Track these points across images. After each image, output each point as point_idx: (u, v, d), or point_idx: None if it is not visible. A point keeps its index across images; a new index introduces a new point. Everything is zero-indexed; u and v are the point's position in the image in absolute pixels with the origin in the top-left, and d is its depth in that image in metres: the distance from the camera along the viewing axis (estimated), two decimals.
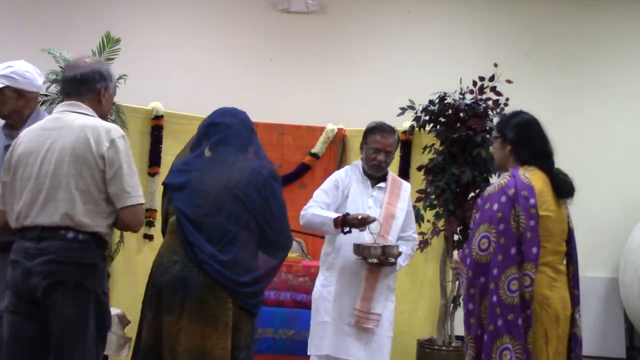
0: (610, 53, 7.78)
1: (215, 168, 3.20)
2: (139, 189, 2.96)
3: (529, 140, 3.34)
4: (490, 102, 5.12)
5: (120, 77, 5.58)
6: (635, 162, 7.69)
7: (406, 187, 4.29)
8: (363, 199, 4.11)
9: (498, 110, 5.13)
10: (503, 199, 3.12)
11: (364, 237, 4.00)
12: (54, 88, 5.51)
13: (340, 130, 6.28)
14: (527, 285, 3.05)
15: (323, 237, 4.34)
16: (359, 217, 3.88)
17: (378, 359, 4.06)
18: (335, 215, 3.96)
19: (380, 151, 4.11)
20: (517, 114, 3.46)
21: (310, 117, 6.75)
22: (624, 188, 7.65)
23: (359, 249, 3.93)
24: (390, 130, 4.18)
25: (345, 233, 3.93)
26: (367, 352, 4.05)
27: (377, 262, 3.94)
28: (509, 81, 5.10)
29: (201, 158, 3.23)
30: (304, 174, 6.31)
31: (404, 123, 5.83)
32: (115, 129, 2.94)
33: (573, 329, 3.21)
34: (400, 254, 4.04)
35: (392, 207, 4.14)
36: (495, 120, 5.14)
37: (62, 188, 2.86)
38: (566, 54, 7.80)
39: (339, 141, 6.28)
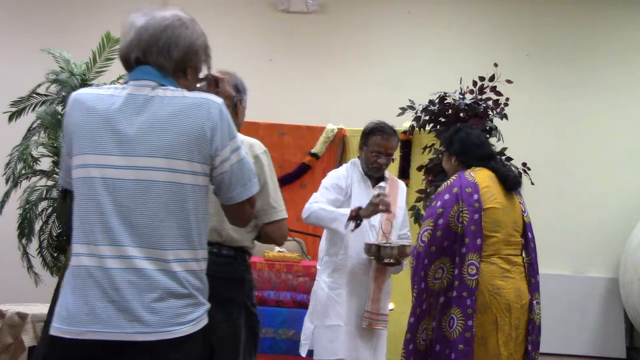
0: (610, 53, 7.78)
1: None
2: (283, 204, 2.89)
3: (468, 148, 3.64)
4: (490, 102, 5.11)
5: (120, 77, 5.58)
6: (635, 162, 7.69)
7: (402, 186, 4.30)
8: (364, 199, 4.10)
9: (498, 110, 5.12)
10: (446, 196, 3.45)
11: (369, 236, 3.99)
12: (54, 88, 5.50)
13: (340, 130, 6.28)
14: (473, 274, 3.32)
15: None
16: (377, 197, 3.77)
17: (381, 358, 4.08)
18: (345, 210, 3.86)
19: (382, 154, 4.05)
20: (457, 130, 3.77)
21: (310, 117, 6.76)
22: (624, 188, 7.65)
23: (372, 249, 3.87)
24: (392, 131, 4.11)
25: (354, 228, 3.85)
26: (375, 353, 4.06)
27: (394, 262, 3.94)
28: (509, 81, 5.10)
29: None
30: (304, 174, 6.31)
31: (404, 123, 5.83)
32: (258, 145, 2.86)
33: (531, 315, 3.45)
34: (412, 252, 4.04)
35: (393, 207, 4.15)
36: (496, 120, 5.14)
37: (210, 204, 2.56)
38: (566, 54, 7.80)
39: (339, 141, 6.28)
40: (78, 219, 2.00)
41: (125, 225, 1.95)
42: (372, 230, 4.02)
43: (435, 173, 5.12)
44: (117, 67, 5.73)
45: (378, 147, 4.05)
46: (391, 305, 4.55)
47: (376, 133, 4.08)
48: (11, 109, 5.40)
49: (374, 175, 4.14)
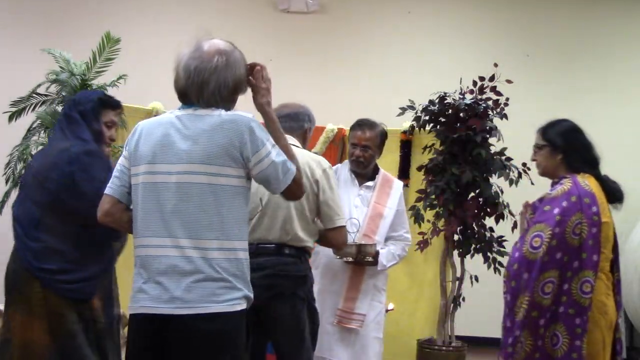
0: (610, 53, 7.78)
1: (38, 157, 3.33)
2: (343, 213, 3.33)
3: (579, 148, 3.38)
4: (490, 102, 5.11)
5: (120, 77, 5.58)
6: (635, 162, 7.68)
7: (398, 185, 4.24)
8: (350, 198, 4.08)
9: (498, 110, 5.12)
10: (565, 204, 3.17)
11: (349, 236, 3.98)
12: (54, 88, 5.51)
13: (340, 130, 6.28)
14: (587, 292, 3.12)
15: None
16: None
17: (363, 357, 4.03)
18: None
19: (357, 146, 4.07)
20: (561, 121, 3.49)
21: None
22: (624, 188, 7.63)
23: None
24: (369, 125, 4.11)
25: None
26: (351, 352, 4.01)
27: (353, 260, 3.91)
28: (509, 81, 5.09)
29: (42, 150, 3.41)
30: None
31: (404, 123, 5.82)
32: (324, 160, 3.37)
33: (617, 334, 3.30)
34: (377, 253, 3.98)
35: (380, 206, 4.11)
36: (496, 120, 5.14)
37: (282, 207, 3.19)
38: (566, 54, 7.80)
39: (339, 141, 6.27)
40: (140, 217, 2.43)
41: (177, 220, 2.37)
42: (352, 227, 3.99)
43: (435, 173, 5.12)
44: (117, 67, 5.78)
45: (353, 139, 4.10)
46: (391, 305, 4.54)
47: (353, 127, 4.16)
48: (11, 109, 5.41)
49: (357, 170, 4.11)
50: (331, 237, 3.30)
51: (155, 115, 5.74)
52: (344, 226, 3.31)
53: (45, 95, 5.40)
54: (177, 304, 2.34)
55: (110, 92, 5.61)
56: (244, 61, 2.60)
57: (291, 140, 3.31)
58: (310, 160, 3.30)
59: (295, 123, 3.45)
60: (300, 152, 3.29)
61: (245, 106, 2.82)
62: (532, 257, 3.15)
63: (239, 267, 2.40)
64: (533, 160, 3.47)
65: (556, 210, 3.17)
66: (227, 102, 2.52)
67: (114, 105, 3.29)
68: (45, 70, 5.43)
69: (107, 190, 2.54)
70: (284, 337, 3.22)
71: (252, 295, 2.45)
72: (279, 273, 3.19)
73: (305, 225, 3.26)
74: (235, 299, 2.38)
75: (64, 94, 5.44)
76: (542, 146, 3.47)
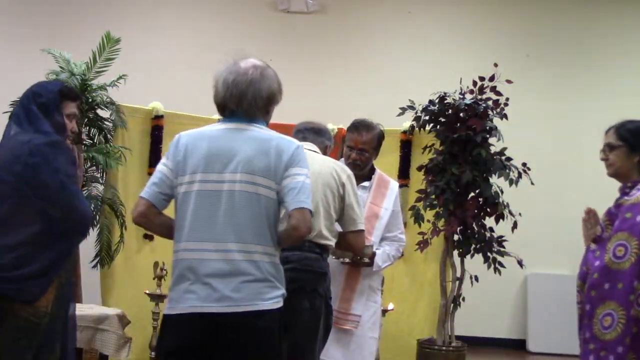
0: (609, 53, 7.79)
1: None
2: (363, 217, 3.43)
3: None
4: (490, 102, 5.11)
5: (120, 77, 5.58)
6: None
7: (393, 186, 4.20)
8: None
9: (498, 110, 5.12)
10: None
11: None
12: None
13: (340, 130, 6.27)
14: None
15: None
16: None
17: (357, 358, 4.01)
18: None
19: (353, 149, 4.02)
20: (637, 121, 3.29)
21: (310, 117, 6.73)
22: None
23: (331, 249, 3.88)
24: (366, 127, 4.05)
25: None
26: (346, 352, 3.99)
27: (350, 261, 3.90)
28: (509, 81, 5.09)
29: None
30: None
31: (404, 123, 5.82)
32: (345, 167, 3.54)
33: None
34: (374, 254, 3.97)
35: (376, 207, 4.08)
36: (496, 120, 5.14)
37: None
38: (566, 54, 7.80)
39: (339, 141, 6.27)
40: (189, 223, 2.59)
41: (227, 226, 2.57)
42: None
43: (435, 173, 5.12)
44: (117, 67, 5.77)
45: (350, 141, 4.04)
46: (391, 306, 4.54)
47: (350, 129, 4.10)
48: (11, 109, 5.40)
49: (353, 172, 4.09)
50: (352, 239, 3.41)
51: (155, 115, 5.79)
52: (364, 230, 3.41)
53: None
54: (227, 302, 2.52)
55: (110, 92, 5.63)
56: (277, 76, 2.79)
57: (312, 147, 3.50)
58: (335, 165, 3.43)
59: (317, 137, 3.64)
60: (322, 158, 3.47)
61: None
62: (615, 266, 3.03)
63: (277, 269, 2.64)
64: (603, 159, 3.31)
65: (638, 218, 3.03)
66: (264, 113, 2.73)
67: (75, 97, 3.16)
68: (45, 70, 5.43)
69: (143, 194, 2.68)
70: (300, 331, 3.22)
71: (285, 293, 2.67)
72: (304, 268, 3.26)
73: (329, 224, 3.34)
74: (277, 297, 2.60)
75: None
76: (616, 146, 3.26)
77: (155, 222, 2.70)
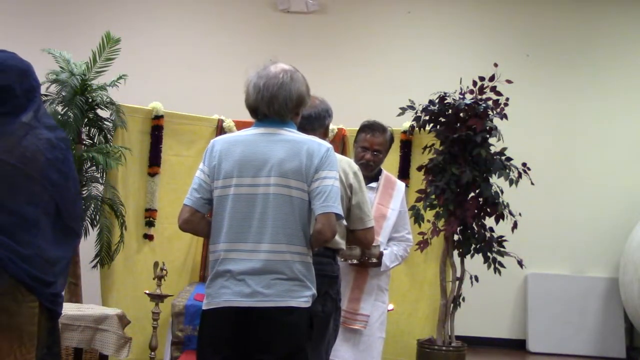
0: (610, 53, 7.79)
1: None
2: (371, 213, 3.40)
3: None
4: (490, 102, 5.11)
5: (120, 77, 5.58)
6: (635, 161, 7.69)
7: (400, 187, 4.22)
8: None
9: (498, 110, 5.12)
10: None
11: None
12: (54, 88, 5.51)
13: (340, 130, 6.27)
14: None
15: None
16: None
17: (366, 358, 4.02)
18: None
19: (368, 150, 4.04)
20: None
21: None
22: (624, 188, 7.65)
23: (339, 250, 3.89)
24: (381, 129, 4.09)
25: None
26: (356, 352, 4.00)
27: (357, 262, 3.91)
28: (509, 81, 5.10)
29: None
30: None
31: (404, 123, 5.82)
32: (352, 162, 3.49)
33: None
34: (381, 254, 3.98)
35: (384, 208, 4.09)
36: (496, 120, 5.14)
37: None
38: (566, 53, 7.80)
39: (339, 141, 6.27)
40: (226, 224, 2.74)
41: (262, 227, 2.71)
42: None
43: (435, 173, 5.12)
44: (117, 67, 5.77)
45: (364, 142, 4.06)
46: (391, 306, 4.53)
47: (364, 129, 4.11)
48: None
49: (364, 173, 4.11)
50: (362, 237, 3.39)
51: (155, 115, 5.79)
52: (373, 227, 3.38)
53: (45, 95, 5.40)
54: (258, 297, 2.67)
55: (110, 92, 5.63)
56: (305, 79, 2.94)
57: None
58: (342, 163, 3.35)
59: (317, 122, 3.57)
60: (337, 155, 3.39)
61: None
62: None
63: (309, 270, 2.77)
64: None
65: None
66: (294, 115, 2.87)
67: None
68: (46, 70, 5.43)
69: (186, 202, 2.83)
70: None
71: (316, 294, 2.79)
72: (317, 272, 3.19)
73: (338, 227, 3.26)
74: (307, 296, 2.73)
75: (64, 94, 5.44)
76: None
77: (201, 226, 2.85)
